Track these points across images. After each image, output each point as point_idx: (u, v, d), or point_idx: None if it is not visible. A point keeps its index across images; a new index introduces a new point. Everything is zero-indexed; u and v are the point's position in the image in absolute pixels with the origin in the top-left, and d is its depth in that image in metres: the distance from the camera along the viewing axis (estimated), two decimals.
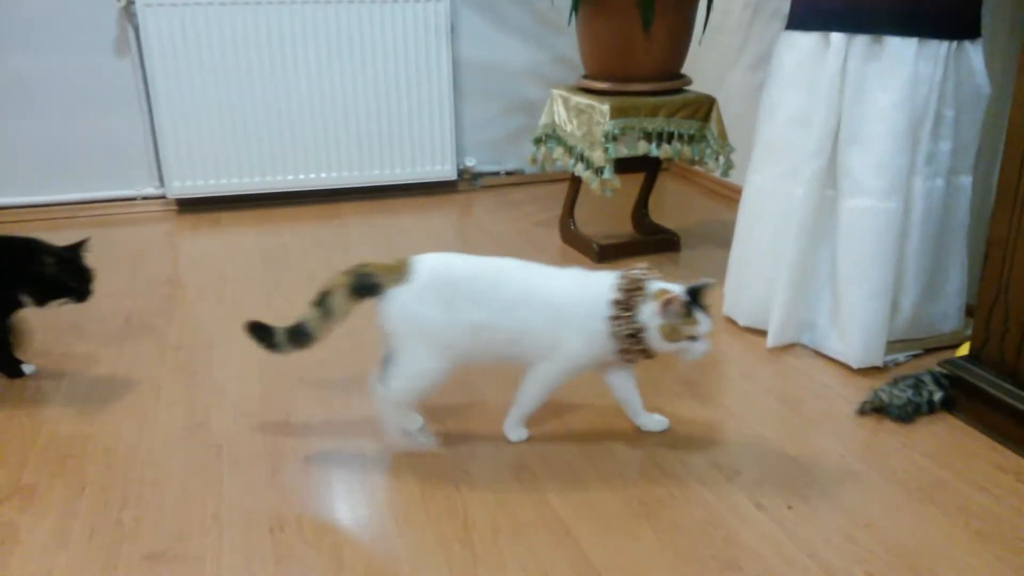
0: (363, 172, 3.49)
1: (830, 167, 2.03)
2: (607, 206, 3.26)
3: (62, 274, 1.87)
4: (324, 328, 1.62)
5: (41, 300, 1.88)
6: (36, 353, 2.06)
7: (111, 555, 1.39)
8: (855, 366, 2.01)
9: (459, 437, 1.75)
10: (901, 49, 1.89)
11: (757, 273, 2.20)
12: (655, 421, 1.77)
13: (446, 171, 3.60)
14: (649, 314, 1.54)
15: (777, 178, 2.14)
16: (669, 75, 2.76)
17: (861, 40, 1.93)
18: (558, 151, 2.89)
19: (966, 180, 2.03)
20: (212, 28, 3.15)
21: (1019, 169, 1.64)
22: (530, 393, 1.69)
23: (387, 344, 1.64)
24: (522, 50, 3.68)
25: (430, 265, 1.61)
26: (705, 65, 3.50)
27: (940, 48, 1.89)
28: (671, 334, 1.54)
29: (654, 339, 1.55)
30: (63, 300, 1.89)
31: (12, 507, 1.52)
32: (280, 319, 1.62)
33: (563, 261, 2.39)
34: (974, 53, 1.94)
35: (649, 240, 3.00)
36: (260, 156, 3.35)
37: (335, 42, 3.30)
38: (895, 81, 1.90)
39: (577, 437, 1.75)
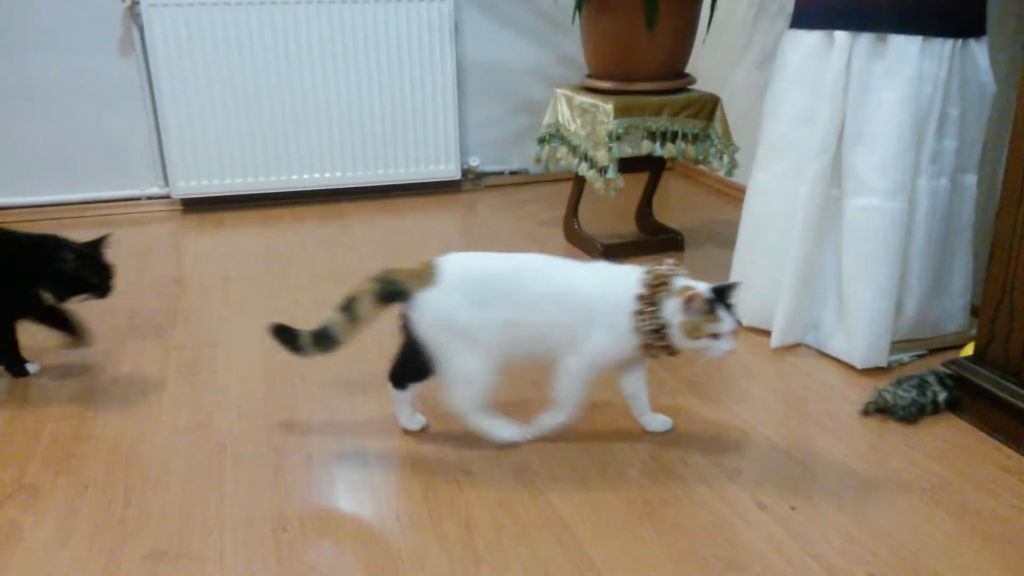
0: (367, 172, 3.50)
1: (834, 166, 2.02)
2: (611, 205, 3.26)
3: (82, 270, 1.87)
4: (349, 333, 1.63)
5: (62, 296, 1.89)
6: (40, 352, 2.06)
7: (113, 554, 1.40)
8: (859, 366, 2.00)
9: (461, 437, 1.75)
10: (905, 47, 1.88)
11: (761, 273, 2.19)
12: (658, 421, 1.77)
13: (450, 171, 3.60)
14: (672, 310, 1.54)
15: (781, 177, 2.13)
16: (673, 74, 2.75)
17: (865, 38, 1.92)
18: (562, 151, 2.89)
19: (971, 179, 2.03)
20: (216, 28, 3.16)
21: None
22: (562, 391, 1.68)
23: (400, 343, 1.65)
24: (526, 50, 3.68)
25: (455, 266, 1.61)
26: (709, 64, 3.49)
27: (944, 46, 1.88)
28: (693, 331, 1.53)
29: (677, 336, 1.55)
30: (84, 296, 1.90)
31: (15, 505, 1.52)
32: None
33: None
34: (979, 51, 1.93)
35: (653, 240, 3.00)
36: (264, 156, 3.35)
37: (339, 42, 3.30)
38: (899, 79, 1.89)
39: (579, 437, 1.75)
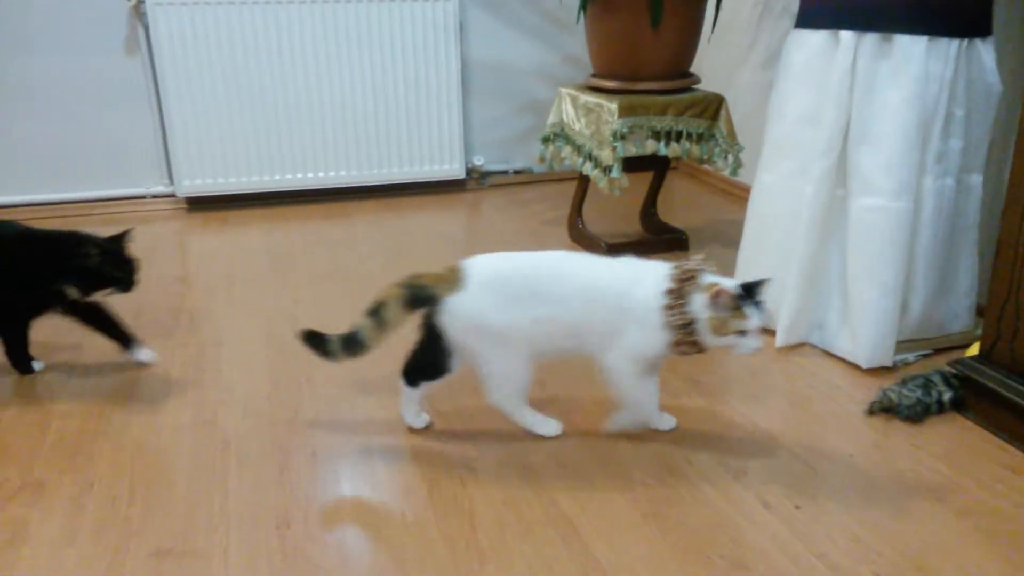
0: (372, 171, 3.50)
1: (840, 166, 2.02)
2: (616, 205, 3.26)
3: (106, 264, 1.88)
4: (377, 338, 1.63)
5: (86, 291, 1.89)
6: (45, 349, 2.06)
7: (119, 551, 1.40)
8: (864, 366, 2.00)
9: (465, 436, 1.75)
10: (911, 47, 1.88)
11: (766, 272, 2.17)
12: (663, 420, 1.77)
13: (455, 170, 3.61)
14: (700, 306, 1.53)
15: (786, 177, 2.13)
16: (678, 74, 2.75)
17: (871, 38, 1.92)
18: (566, 150, 2.89)
19: (977, 179, 2.02)
20: (221, 27, 3.16)
21: None
22: (619, 392, 1.67)
23: (417, 341, 1.66)
24: (531, 49, 3.68)
25: (482, 268, 1.62)
26: (714, 63, 3.49)
27: (950, 46, 1.88)
28: (720, 327, 1.53)
29: (704, 332, 1.54)
30: (108, 290, 1.90)
31: (21, 503, 1.53)
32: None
33: None
34: (985, 51, 1.93)
35: (657, 239, 3.00)
36: (269, 155, 3.36)
37: (344, 41, 3.31)
38: (905, 79, 1.89)
39: (583, 436, 1.75)
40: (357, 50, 3.33)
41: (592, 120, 2.71)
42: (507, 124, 3.76)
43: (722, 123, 2.73)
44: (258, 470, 1.63)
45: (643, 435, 1.75)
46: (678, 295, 1.55)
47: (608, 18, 2.69)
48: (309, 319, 2.31)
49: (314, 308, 2.41)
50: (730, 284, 1.54)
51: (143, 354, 2.03)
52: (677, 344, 1.57)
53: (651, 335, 1.58)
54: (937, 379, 1.83)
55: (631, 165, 2.67)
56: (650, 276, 1.59)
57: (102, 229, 2.02)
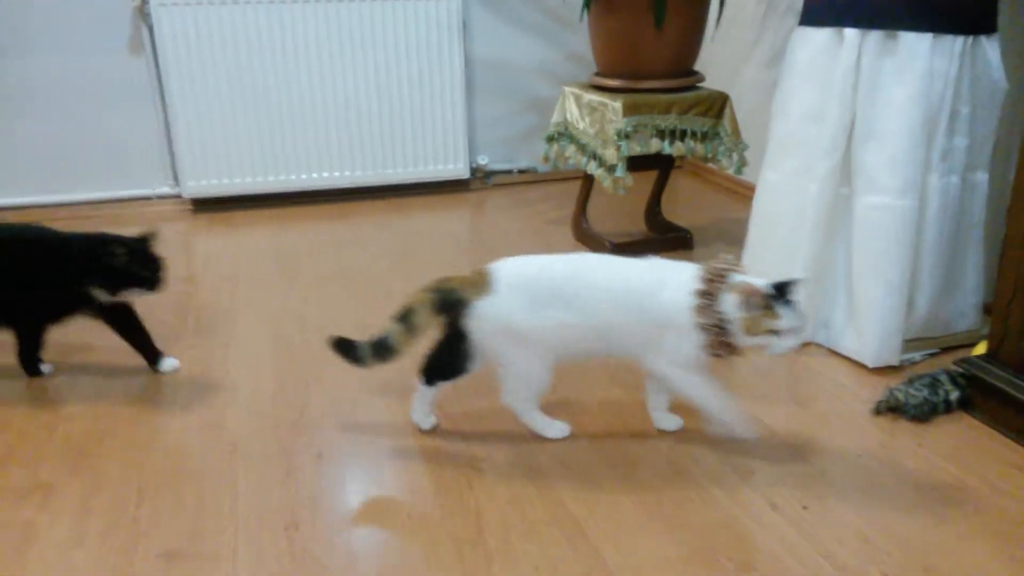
0: (376, 171, 3.50)
1: (844, 164, 2.02)
2: (620, 204, 3.25)
3: (133, 264, 1.88)
4: (407, 343, 1.64)
5: (113, 291, 1.89)
6: (53, 351, 2.07)
7: (127, 553, 1.40)
8: (871, 365, 1.99)
9: (472, 436, 1.75)
10: (916, 44, 1.87)
11: (771, 271, 2.18)
12: (670, 420, 1.77)
13: (459, 170, 3.61)
14: (731, 306, 1.52)
15: (791, 175, 2.12)
16: (682, 72, 2.75)
17: (875, 36, 1.91)
18: (571, 149, 2.89)
19: (982, 177, 2.02)
20: (226, 27, 3.17)
21: None
22: (695, 401, 1.66)
23: (437, 340, 1.66)
24: (534, 48, 3.68)
25: (509, 272, 1.62)
26: (719, 61, 3.48)
27: (955, 43, 1.87)
28: (752, 327, 1.51)
29: (736, 332, 1.53)
30: (135, 290, 1.90)
31: (30, 505, 1.53)
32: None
33: None
34: (990, 48, 1.92)
35: (662, 238, 3.00)
36: (274, 155, 3.36)
37: (348, 41, 3.31)
38: (910, 77, 1.88)
39: (590, 436, 1.75)
40: (361, 50, 3.33)
41: (596, 119, 2.71)
42: (511, 123, 3.76)
43: (726, 121, 2.73)
44: (265, 471, 1.63)
45: (650, 435, 1.75)
46: (708, 296, 1.53)
47: (611, 16, 2.68)
48: (315, 320, 2.33)
49: (320, 309, 2.41)
50: (761, 283, 1.52)
51: (166, 365, 2.03)
52: (711, 346, 1.55)
53: (686, 338, 1.56)
54: (944, 378, 1.83)
55: (635, 164, 2.67)
56: (679, 278, 1.58)
57: (110, 230, 2.02)
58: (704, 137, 2.72)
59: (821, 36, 2.02)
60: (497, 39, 3.61)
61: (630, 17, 2.63)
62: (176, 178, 3.35)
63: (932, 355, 2.06)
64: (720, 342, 1.54)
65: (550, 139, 2.96)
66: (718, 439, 1.73)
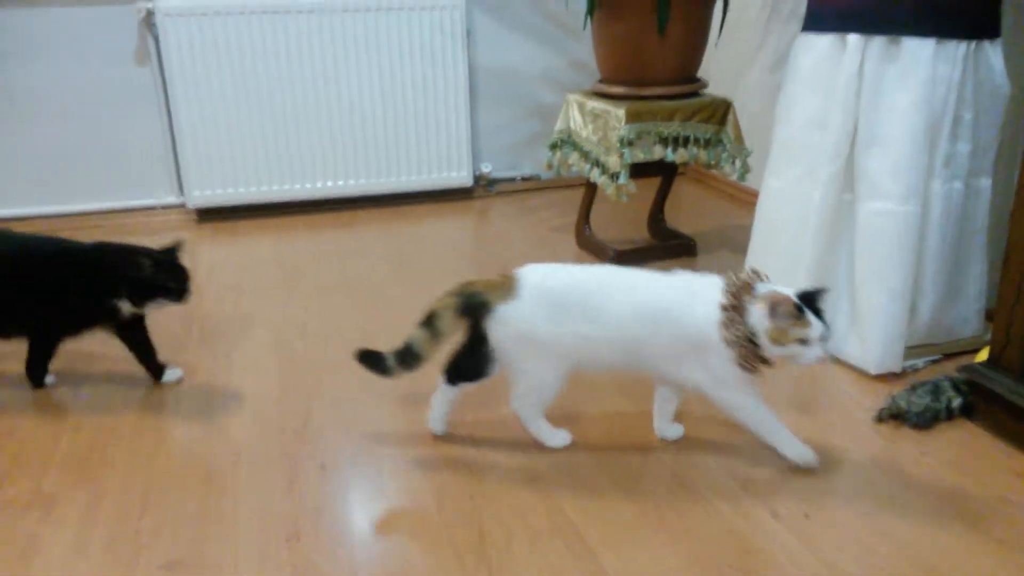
0: (380, 179, 3.51)
1: (847, 170, 2.02)
2: (623, 211, 3.25)
3: (160, 275, 1.89)
4: (431, 348, 1.64)
5: (139, 303, 1.90)
6: (56, 361, 2.08)
7: (129, 564, 1.41)
8: (873, 372, 1.99)
9: (474, 446, 1.75)
10: (919, 50, 1.87)
11: (774, 277, 2.17)
12: (673, 429, 1.77)
13: (462, 177, 3.61)
14: (758, 316, 1.50)
15: (794, 181, 2.12)
16: (685, 79, 2.75)
17: (878, 41, 1.91)
18: (574, 156, 2.89)
19: (985, 182, 2.01)
20: (231, 38, 3.18)
21: None
22: (748, 425, 1.64)
23: (461, 343, 1.66)
24: (538, 55, 3.68)
25: (535, 279, 1.62)
26: (722, 65, 3.48)
27: (958, 49, 1.87)
28: (780, 337, 1.49)
29: (763, 343, 1.51)
30: (161, 302, 1.91)
31: (33, 517, 1.54)
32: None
33: None
34: (993, 53, 1.92)
35: (665, 245, 2.99)
36: (278, 165, 3.37)
37: (352, 51, 3.32)
38: (913, 82, 1.88)
39: (591, 446, 1.75)
40: (364, 59, 3.34)
41: (599, 126, 2.72)
42: (514, 130, 3.76)
43: (729, 128, 2.73)
44: (268, 481, 1.64)
45: (651, 444, 1.75)
46: (735, 309, 1.52)
47: (615, 24, 2.69)
48: (319, 328, 2.33)
49: (324, 317, 2.42)
50: (789, 291, 1.51)
51: (169, 376, 2.04)
52: (743, 360, 1.52)
53: (721, 355, 1.54)
54: (946, 385, 1.82)
55: (638, 171, 2.67)
56: (707, 293, 1.56)
57: (118, 241, 2.03)
58: (707, 144, 2.72)
59: (824, 42, 2.02)
60: (501, 47, 3.62)
61: (633, 24, 2.63)
62: (181, 188, 3.36)
63: (935, 362, 2.05)
64: (752, 355, 1.52)
65: (553, 146, 2.96)
66: (718, 448, 1.73)
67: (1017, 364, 1.70)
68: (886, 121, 1.93)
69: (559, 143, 2.95)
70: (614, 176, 2.63)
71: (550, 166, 2.98)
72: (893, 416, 1.80)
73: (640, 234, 3.11)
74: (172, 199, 3.41)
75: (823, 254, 2.08)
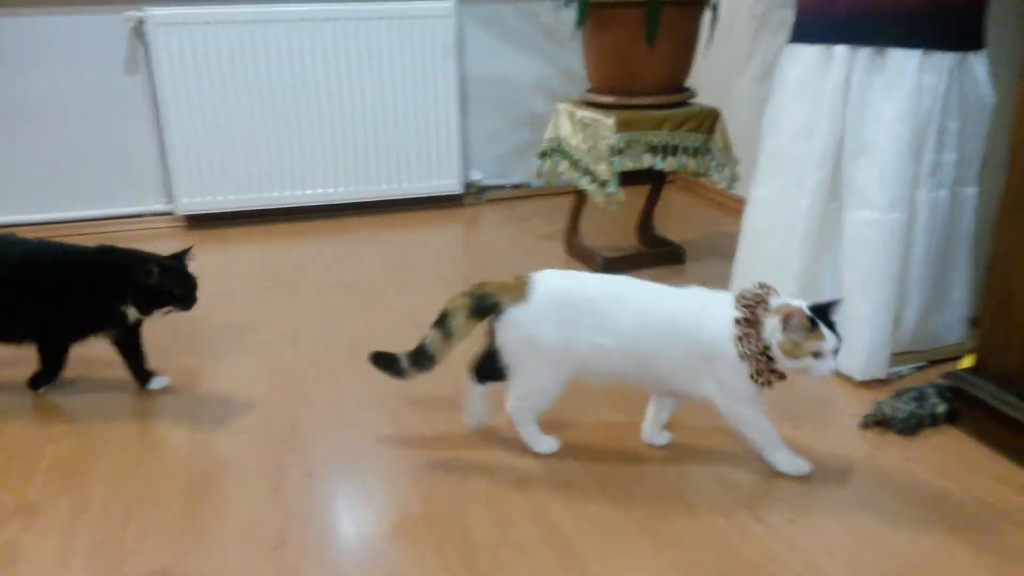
0: (370, 187, 3.51)
1: (834, 179, 2.03)
2: (612, 219, 3.26)
3: (167, 282, 1.88)
4: (444, 349, 1.65)
5: (146, 310, 1.89)
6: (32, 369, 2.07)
7: (113, 572, 1.40)
8: (859, 378, 2.00)
9: (461, 454, 1.75)
10: (905, 61, 1.89)
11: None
12: (662, 435, 1.77)
13: (452, 185, 3.62)
14: (771, 330, 1.50)
15: (781, 190, 2.13)
16: (674, 88, 2.77)
17: (865, 52, 1.93)
18: (563, 165, 2.90)
19: (971, 191, 2.03)
20: (221, 46, 3.18)
21: (1023, 181, 1.64)
22: (748, 436, 1.64)
23: (486, 342, 1.66)
24: (528, 64, 3.70)
25: (549, 285, 1.62)
26: (711, 74, 3.50)
27: (944, 60, 1.89)
28: (793, 350, 1.49)
29: (777, 357, 1.51)
30: (168, 309, 1.90)
31: (15, 525, 1.53)
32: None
33: None
34: (978, 64, 1.94)
35: (654, 253, 3.00)
36: (268, 172, 3.37)
37: (342, 59, 3.32)
38: (899, 93, 1.90)
39: (579, 452, 1.75)
40: (355, 67, 3.35)
41: (589, 135, 2.73)
42: (505, 139, 3.77)
43: (717, 137, 2.74)
44: (254, 489, 1.63)
45: (638, 451, 1.75)
46: (750, 323, 1.52)
47: (604, 33, 2.70)
48: (307, 336, 2.33)
49: (313, 325, 2.42)
50: (800, 305, 1.51)
51: (156, 383, 2.03)
52: (757, 373, 1.53)
53: (736, 369, 1.54)
54: (931, 391, 1.83)
55: (627, 179, 2.68)
56: (720, 307, 1.57)
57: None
58: (696, 152, 2.74)
59: (811, 53, 2.03)
60: (491, 56, 3.63)
61: (622, 34, 2.64)
62: (171, 195, 3.35)
63: (920, 368, 2.07)
64: (766, 369, 1.52)
65: (543, 155, 2.97)
66: (706, 455, 1.73)
67: (1000, 371, 1.71)
68: (873, 131, 1.94)
69: (549, 151, 2.96)
70: (603, 184, 2.64)
71: (540, 174, 2.99)
72: (878, 422, 1.81)
73: (629, 241, 3.12)
74: (161, 206, 3.41)
75: (810, 262, 2.09)
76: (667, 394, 1.72)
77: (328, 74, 3.33)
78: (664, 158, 2.69)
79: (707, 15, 2.77)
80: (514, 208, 3.68)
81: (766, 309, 1.52)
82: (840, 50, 1.96)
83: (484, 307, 1.62)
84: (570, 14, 2.76)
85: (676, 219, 3.49)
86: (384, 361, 1.68)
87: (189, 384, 2.07)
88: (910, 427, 1.78)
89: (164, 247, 1.98)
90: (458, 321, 1.62)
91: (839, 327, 1.52)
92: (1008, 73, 2.13)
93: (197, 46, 3.16)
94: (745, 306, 1.54)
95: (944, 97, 1.91)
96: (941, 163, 1.96)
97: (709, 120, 2.73)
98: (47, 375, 2.00)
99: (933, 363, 2.08)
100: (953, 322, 2.10)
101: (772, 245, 2.17)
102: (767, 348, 1.51)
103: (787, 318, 1.48)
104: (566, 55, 3.68)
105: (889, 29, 1.90)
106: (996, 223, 1.70)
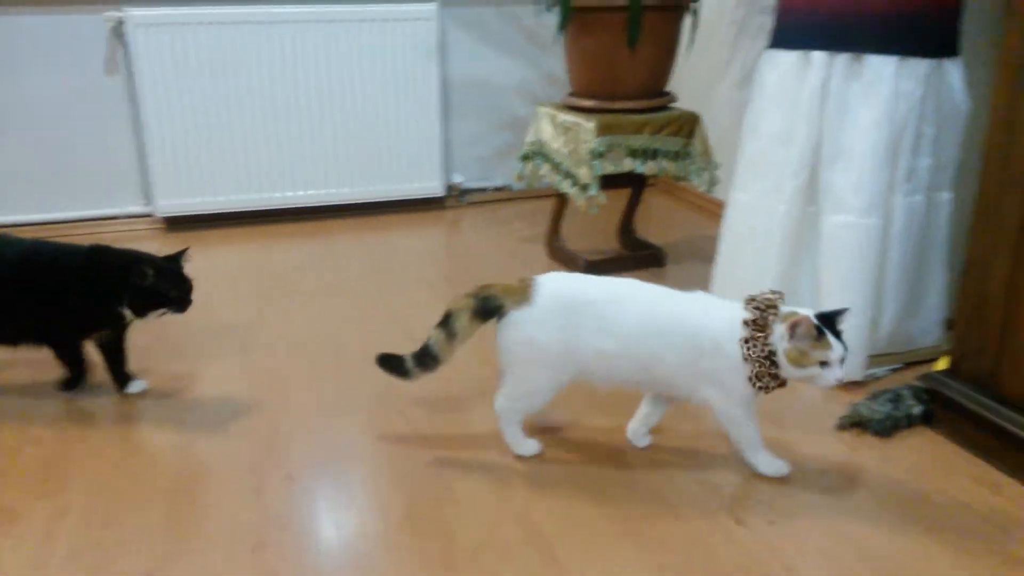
0: (352, 189, 3.51)
1: (812, 184, 2.05)
2: (593, 222, 3.28)
3: (162, 284, 1.87)
4: (449, 349, 1.64)
5: (141, 312, 1.88)
6: (18, 371, 2.05)
7: None
8: None
9: (442, 456, 1.75)
10: (881, 68, 1.91)
11: (741, 288, 2.19)
12: (646, 438, 1.78)
13: (434, 188, 3.62)
14: (778, 337, 1.51)
15: (760, 195, 2.15)
16: (654, 92, 2.78)
17: (842, 59, 1.95)
18: (545, 168, 2.91)
19: (946, 196, 2.06)
20: (201, 47, 3.17)
21: (997, 187, 1.66)
22: (733, 437, 1.65)
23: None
24: (510, 67, 3.71)
25: (552, 289, 1.62)
26: (693, 78, 3.52)
27: (920, 66, 1.91)
28: (799, 358, 1.49)
29: (782, 364, 1.51)
30: (163, 311, 1.89)
31: None
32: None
33: None
34: (953, 71, 1.97)
35: (635, 255, 3.02)
36: (248, 174, 3.36)
37: (324, 61, 3.32)
38: (876, 99, 1.92)
39: (562, 455, 1.75)
40: (337, 69, 3.34)
41: (570, 139, 2.74)
42: (486, 142, 3.78)
43: (697, 141, 2.76)
44: (234, 492, 1.63)
45: (619, 454, 1.76)
46: (759, 327, 1.52)
47: (586, 38, 2.72)
48: (288, 339, 2.32)
49: (294, 328, 2.41)
50: (807, 313, 1.51)
51: (134, 387, 2.02)
52: (758, 377, 1.53)
53: (736, 370, 1.55)
54: (907, 393, 1.86)
55: (608, 182, 2.69)
56: (723, 312, 1.58)
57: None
58: (676, 156, 2.76)
59: (789, 59, 2.06)
60: (474, 59, 3.64)
61: (604, 38, 2.66)
62: (149, 196, 3.33)
63: (896, 370, 2.09)
64: (767, 374, 1.53)
65: (525, 158, 2.98)
66: (687, 457, 1.74)
67: (975, 373, 1.73)
68: (850, 136, 1.97)
69: (530, 155, 2.97)
70: (584, 187, 2.65)
71: (521, 177, 3.00)
72: (855, 424, 1.83)
73: (610, 244, 3.14)
74: (140, 208, 3.38)
75: (788, 265, 2.11)
76: (665, 397, 1.73)
77: (309, 76, 3.32)
78: (644, 162, 2.71)
79: (688, 20, 2.79)
80: (496, 211, 3.68)
81: (775, 314, 1.53)
82: (818, 56, 1.98)
83: (488, 308, 1.62)
84: (552, 18, 2.77)
85: (657, 222, 3.51)
86: (390, 363, 1.68)
87: (169, 387, 2.05)
88: (886, 429, 1.80)
89: (144, 249, 1.96)
90: (462, 322, 1.62)
91: (845, 336, 1.52)
92: (983, 80, 2.16)
93: (177, 47, 3.14)
94: (756, 308, 1.55)
95: (920, 103, 1.94)
96: (917, 168, 1.99)
97: (689, 124, 2.75)
98: (75, 377, 1.99)
99: (909, 365, 2.10)
100: (929, 325, 2.12)
101: (751, 249, 2.19)
102: (772, 353, 1.52)
103: (794, 326, 1.49)
104: (548, 59, 3.69)
105: (866, 35, 1.92)
106: (971, 228, 1.73)
